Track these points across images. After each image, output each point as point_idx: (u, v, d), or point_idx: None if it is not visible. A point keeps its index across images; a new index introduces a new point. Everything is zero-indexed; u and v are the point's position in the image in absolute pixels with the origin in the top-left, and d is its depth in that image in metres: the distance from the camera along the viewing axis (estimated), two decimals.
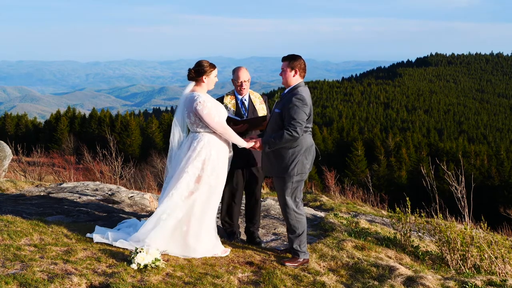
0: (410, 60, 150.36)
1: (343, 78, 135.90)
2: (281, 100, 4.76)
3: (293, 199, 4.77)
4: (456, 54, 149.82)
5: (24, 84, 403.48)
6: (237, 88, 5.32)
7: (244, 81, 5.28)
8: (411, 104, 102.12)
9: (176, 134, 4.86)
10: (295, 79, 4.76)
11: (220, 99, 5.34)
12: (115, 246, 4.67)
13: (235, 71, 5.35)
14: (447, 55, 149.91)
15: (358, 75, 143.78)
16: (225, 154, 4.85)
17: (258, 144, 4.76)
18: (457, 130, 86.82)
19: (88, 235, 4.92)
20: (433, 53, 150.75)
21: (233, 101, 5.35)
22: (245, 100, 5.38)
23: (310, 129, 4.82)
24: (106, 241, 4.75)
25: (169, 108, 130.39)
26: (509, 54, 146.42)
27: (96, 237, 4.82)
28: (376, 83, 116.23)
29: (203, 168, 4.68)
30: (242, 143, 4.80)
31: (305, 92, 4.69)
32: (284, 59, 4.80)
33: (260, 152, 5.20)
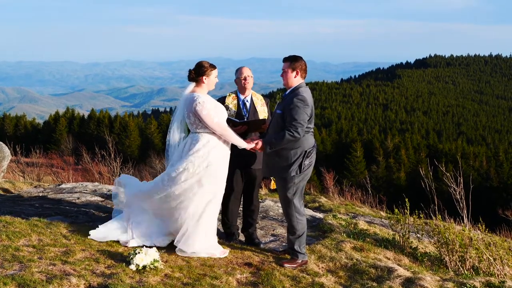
0: (409, 61, 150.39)
1: (342, 79, 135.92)
2: (283, 101, 4.76)
3: (295, 200, 4.76)
4: (455, 56, 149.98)
5: (23, 85, 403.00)
6: (241, 84, 5.32)
7: (248, 75, 5.30)
8: (410, 105, 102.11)
9: (175, 135, 4.83)
10: (296, 80, 4.76)
11: (222, 99, 5.34)
12: (113, 246, 4.67)
13: (238, 69, 5.39)
14: (446, 56, 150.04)
15: (357, 76, 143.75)
16: (225, 155, 4.82)
17: (259, 145, 4.73)
18: (456, 131, 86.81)
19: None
20: (432, 55, 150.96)
21: (235, 101, 5.35)
22: (247, 101, 5.37)
23: (312, 130, 4.82)
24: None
25: (168, 109, 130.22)
26: (508, 56, 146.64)
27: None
28: (375, 84, 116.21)
29: (202, 168, 4.66)
30: (242, 144, 4.76)
31: (307, 93, 4.70)
32: (285, 60, 4.80)
33: (259, 153, 5.19)
